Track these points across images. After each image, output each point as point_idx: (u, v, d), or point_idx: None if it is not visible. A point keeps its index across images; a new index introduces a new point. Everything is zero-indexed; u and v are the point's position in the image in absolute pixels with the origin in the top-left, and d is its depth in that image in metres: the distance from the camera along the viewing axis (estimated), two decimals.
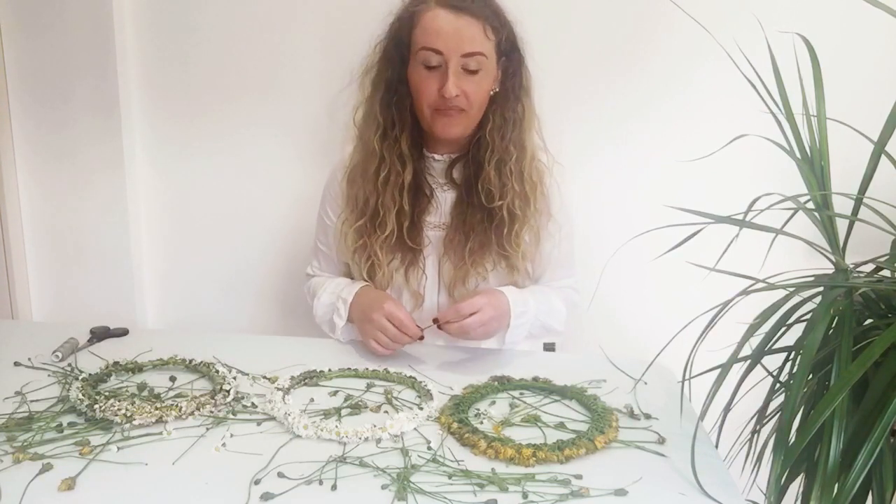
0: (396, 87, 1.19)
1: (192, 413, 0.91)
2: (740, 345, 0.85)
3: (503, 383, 1.05)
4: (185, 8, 1.58)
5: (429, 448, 0.86)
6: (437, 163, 1.26)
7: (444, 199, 1.26)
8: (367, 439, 0.87)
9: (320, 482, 0.77)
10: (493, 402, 1.00)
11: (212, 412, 0.93)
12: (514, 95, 1.21)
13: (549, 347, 1.45)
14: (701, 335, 0.86)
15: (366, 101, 1.23)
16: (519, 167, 1.20)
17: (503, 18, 1.17)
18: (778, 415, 0.99)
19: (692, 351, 0.88)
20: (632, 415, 0.97)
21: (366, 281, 1.27)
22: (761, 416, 1.02)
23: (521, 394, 1.03)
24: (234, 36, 1.58)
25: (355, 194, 1.26)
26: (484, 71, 1.15)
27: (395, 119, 1.20)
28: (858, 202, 0.93)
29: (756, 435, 1.04)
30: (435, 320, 1.13)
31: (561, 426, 0.92)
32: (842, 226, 0.94)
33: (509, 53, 1.19)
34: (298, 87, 1.59)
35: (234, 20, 1.57)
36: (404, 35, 1.17)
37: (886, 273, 0.95)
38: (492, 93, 1.20)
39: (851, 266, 0.93)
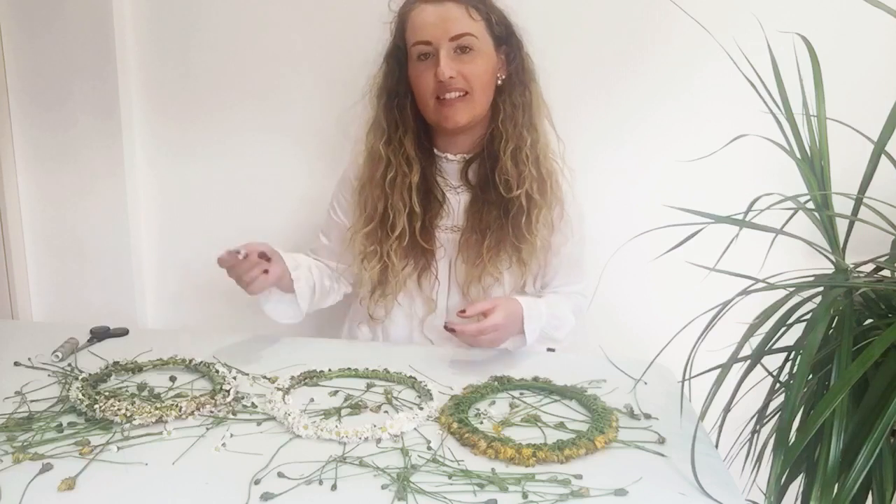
0: (397, 90, 1.21)
1: (192, 413, 0.91)
2: (740, 345, 0.85)
3: (503, 383, 1.05)
4: (186, 9, 1.58)
5: (429, 448, 0.86)
6: (451, 163, 1.26)
7: (456, 202, 1.26)
8: (367, 439, 0.87)
9: (320, 482, 0.77)
10: (493, 402, 1.00)
11: (212, 412, 0.93)
12: (520, 81, 1.22)
13: (549, 347, 1.45)
14: (701, 335, 0.86)
15: (374, 111, 1.26)
16: (535, 153, 1.21)
17: (489, 3, 1.20)
18: (778, 415, 0.99)
19: (692, 351, 0.88)
20: (632, 415, 0.97)
21: (372, 289, 1.26)
22: (761, 416, 1.02)
23: (521, 394, 1.03)
24: (234, 38, 1.58)
25: (364, 201, 1.26)
26: (476, 50, 1.16)
27: (397, 121, 1.21)
28: (858, 202, 0.93)
29: (756, 435, 1.05)
30: (447, 325, 1.12)
31: (561, 426, 0.92)
32: (842, 226, 0.94)
33: (507, 40, 1.21)
34: (300, 90, 1.59)
35: (235, 21, 1.57)
36: (399, 39, 1.21)
37: (886, 273, 0.95)
38: (499, 82, 1.21)
39: (851, 266, 0.93)
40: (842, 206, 0.95)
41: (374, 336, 1.34)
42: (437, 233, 1.25)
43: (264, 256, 1.08)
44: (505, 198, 1.20)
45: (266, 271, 1.09)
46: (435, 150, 1.26)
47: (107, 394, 0.95)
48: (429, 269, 1.24)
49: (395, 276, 1.23)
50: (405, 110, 1.21)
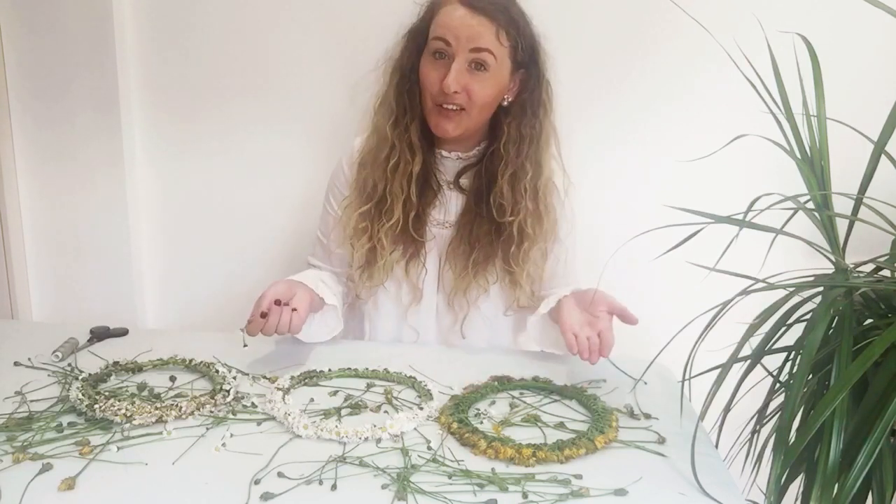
0: (409, 74, 1.20)
1: (192, 413, 0.91)
2: (740, 345, 0.86)
3: (503, 383, 1.05)
4: (185, 6, 1.58)
5: (429, 448, 0.86)
6: (446, 160, 1.25)
7: (450, 198, 1.26)
8: (367, 439, 0.87)
9: (320, 482, 0.77)
10: (493, 402, 1.00)
11: (212, 412, 0.93)
12: (532, 111, 1.20)
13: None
14: (701, 335, 0.87)
15: (384, 87, 1.23)
16: (534, 185, 1.19)
17: (523, 30, 1.16)
18: (778, 415, 1.00)
19: (692, 351, 0.88)
20: (632, 415, 0.97)
21: (360, 268, 1.25)
22: (761, 416, 1.02)
23: (521, 394, 1.03)
24: (233, 34, 1.58)
25: (364, 179, 1.24)
26: (491, 72, 1.14)
27: (406, 107, 1.20)
28: (858, 202, 0.94)
29: (756, 435, 1.05)
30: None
31: (561, 426, 0.92)
32: (842, 226, 0.94)
33: (528, 67, 1.19)
34: (300, 85, 1.59)
35: (234, 18, 1.57)
36: (423, 25, 1.19)
37: (886, 273, 0.95)
38: (505, 103, 1.20)
39: (851, 266, 0.93)
40: (842, 206, 0.95)
41: (361, 326, 1.34)
42: (429, 225, 1.25)
43: (279, 302, 1.08)
44: (497, 220, 1.20)
45: (295, 309, 1.08)
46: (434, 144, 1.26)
47: (107, 394, 0.95)
48: (417, 257, 1.24)
49: (383, 258, 1.22)
50: (415, 99, 1.20)
